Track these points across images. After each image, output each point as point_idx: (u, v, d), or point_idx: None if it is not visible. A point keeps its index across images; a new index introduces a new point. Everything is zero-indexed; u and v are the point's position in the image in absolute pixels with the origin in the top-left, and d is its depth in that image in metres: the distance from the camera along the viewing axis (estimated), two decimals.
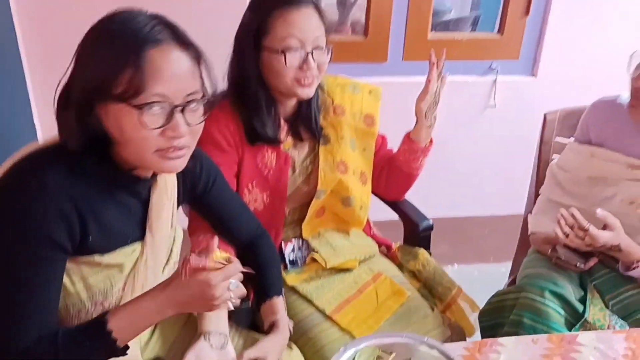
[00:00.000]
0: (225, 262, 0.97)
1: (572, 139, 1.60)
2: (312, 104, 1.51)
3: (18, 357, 0.93)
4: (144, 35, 0.91)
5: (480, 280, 2.69)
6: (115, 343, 0.96)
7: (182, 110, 0.94)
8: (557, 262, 1.48)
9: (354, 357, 0.93)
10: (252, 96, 1.41)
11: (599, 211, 1.31)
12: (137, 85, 0.89)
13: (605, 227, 1.32)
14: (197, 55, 0.97)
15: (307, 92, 1.40)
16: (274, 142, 1.47)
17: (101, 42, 0.92)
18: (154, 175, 1.08)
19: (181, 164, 0.99)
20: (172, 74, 0.92)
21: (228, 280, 0.97)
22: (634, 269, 1.35)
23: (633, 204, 1.39)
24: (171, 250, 1.16)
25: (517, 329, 1.37)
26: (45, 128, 2.11)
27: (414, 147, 1.57)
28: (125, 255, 1.05)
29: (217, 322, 1.20)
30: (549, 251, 1.49)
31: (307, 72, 1.36)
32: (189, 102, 0.94)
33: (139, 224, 1.08)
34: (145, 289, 1.05)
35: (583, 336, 1.14)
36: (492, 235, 2.82)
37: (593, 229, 1.28)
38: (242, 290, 1.03)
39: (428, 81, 1.49)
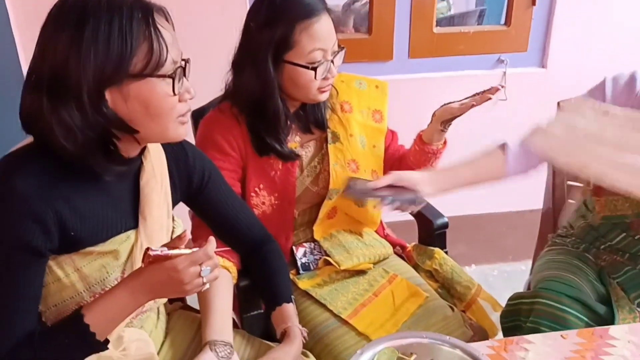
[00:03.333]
0: (192, 251, 0.96)
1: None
2: None
3: None
4: (140, 5, 0.90)
5: (500, 280, 2.63)
6: (94, 337, 0.94)
7: (184, 72, 0.95)
8: None
9: None
10: (272, 112, 1.37)
11: None
12: (159, 55, 0.89)
13: None
14: (169, 17, 0.97)
15: (326, 95, 1.40)
16: (292, 159, 1.44)
17: (96, 26, 0.86)
18: (140, 160, 1.05)
19: (187, 128, 1.01)
20: (172, 38, 0.93)
21: (197, 265, 0.95)
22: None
23: None
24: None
25: None
26: None
27: (425, 149, 1.51)
28: (119, 242, 1.01)
29: (221, 331, 1.16)
30: None
31: (330, 79, 1.35)
32: (185, 62, 0.96)
33: (131, 211, 1.05)
34: None
35: (615, 329, 1.07)
36: (510, 232, 2.75)
37: None
38: (215, 274, 0.99)
39: (472, 105, 1.42)
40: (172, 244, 0.98)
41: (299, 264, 1.52)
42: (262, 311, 1.41)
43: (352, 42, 2.28)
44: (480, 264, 2.71)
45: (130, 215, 1.05)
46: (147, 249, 0.93)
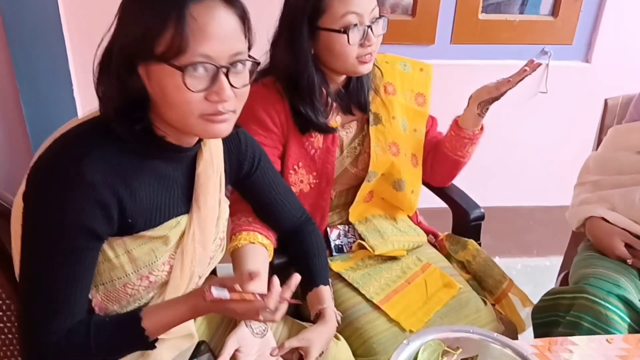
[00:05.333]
0: (254, 296, 0.92)
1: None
2: (363, 77, 1.43)
3: (51, 350, 0.92)
4: None
5: (523, 275, 2.60)
6: (148, 340, 0.97)
7: (227, 73, 0.87)
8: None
9: (418, 351, 0.86)
10: (307, 82, 1.34)
11: None
12: (179, 44, 0.83)
13: None
14: (242, 14, 0.91)
15: (368, 67, 1.35)
16: (328, 131, 1.41)
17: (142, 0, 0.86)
18: (199, 146, 1.03)
19: (227, 128, 0.93)
20: (217, 32, 0.86)
21: (254, 312, 0.94)
22: None
23: None
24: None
25: (574, 331, 1.28)
26: (85, 102, 2.08)
27: (461, 134, 1.48)
28: (169, 227, 1.00)
29: None
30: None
31: (368, 48, 1.30)
32: (234, 64, 0.88)
33: (184, 197, 1.04)
34: (194, 263, 1.02)
35: None
36: (537, 227, 2.71)
37: None
38: (276, 317, 0.99)
39: (509, 82, 1.37)
40: (237, 279, 0.95)
41: (332, 245, 1.51)
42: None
43: (394, 23, 2.21)
44: (504, 256, 2.68)
45: (182, 201, 1.03)
46: (210, 287, 0.92)
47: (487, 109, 1.44)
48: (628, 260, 1.42)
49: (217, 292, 0.92)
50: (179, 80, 0.84)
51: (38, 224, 0.89)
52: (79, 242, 0.89)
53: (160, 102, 0.89)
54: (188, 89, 0.85)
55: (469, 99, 1.45)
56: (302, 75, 1.33)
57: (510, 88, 1.38)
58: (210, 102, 0.88)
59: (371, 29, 1.29)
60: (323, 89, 1.38)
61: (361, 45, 1.29)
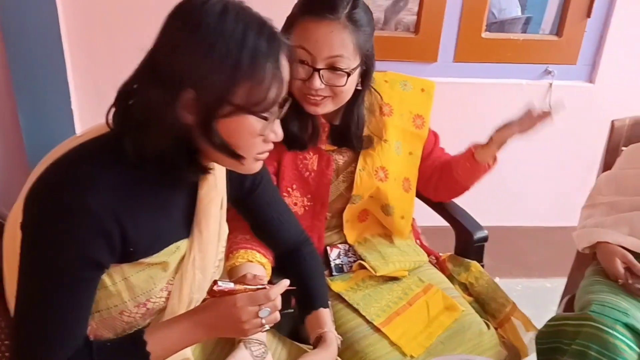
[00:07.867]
0: (257, 288, 0.94)
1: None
2: (350, 116, 1.38)
3: None
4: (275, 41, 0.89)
5: (524, 296, 2.56)
6: None
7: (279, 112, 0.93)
8: (627, 286, 1.36)
9: None
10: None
11: None
12: (265, 94, 0.87)
13: None
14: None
15: (314, 110, 1.31)
16: (304, 146, 1.37)
17: (218, 49, 0.83)
18: None
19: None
20: (287, 75, 0.91)
21: (256, 305, 0.92)
22: None
23: None
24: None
25: None
26: (83, 114, 2.06)
27: (477, 167, 1.44)
28: (169, 253, 0.97)
29: None
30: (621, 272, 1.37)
31: (312, 90, 1.26)
32: (284, 102, 0.93)
33: (184, 221, 1.01)
34: (194, 289, 0.99)
35: None
36: (538, 248, 2.69)
37: None
38: (276, 317, 0.97)
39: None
40: (242, 279, 0.96)
41: (332, 265, 1.48)
42: (292, 310, 1.37)
43: (396, 40, 2.21)
44: (505, 277, 2.65)
45: (182, 225, 1.00)
46: (215, 281, 0.92)
47: (505, 143, 1.40)
48: (619, 281, 1.39)
49: (223, 284, 0.92)
50: (255, 126, 0.89)
51: (40, 256, 0.86)
52: (82, 273, 0.86)
53: (231, 147, 0.89)
54: (261, 134, 0.90)
55: (490, 140, 1.39)
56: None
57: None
58: (266, 142, 0.93)
59: (320, 74, 1.24)
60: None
61: (304, 83, 1.26)
